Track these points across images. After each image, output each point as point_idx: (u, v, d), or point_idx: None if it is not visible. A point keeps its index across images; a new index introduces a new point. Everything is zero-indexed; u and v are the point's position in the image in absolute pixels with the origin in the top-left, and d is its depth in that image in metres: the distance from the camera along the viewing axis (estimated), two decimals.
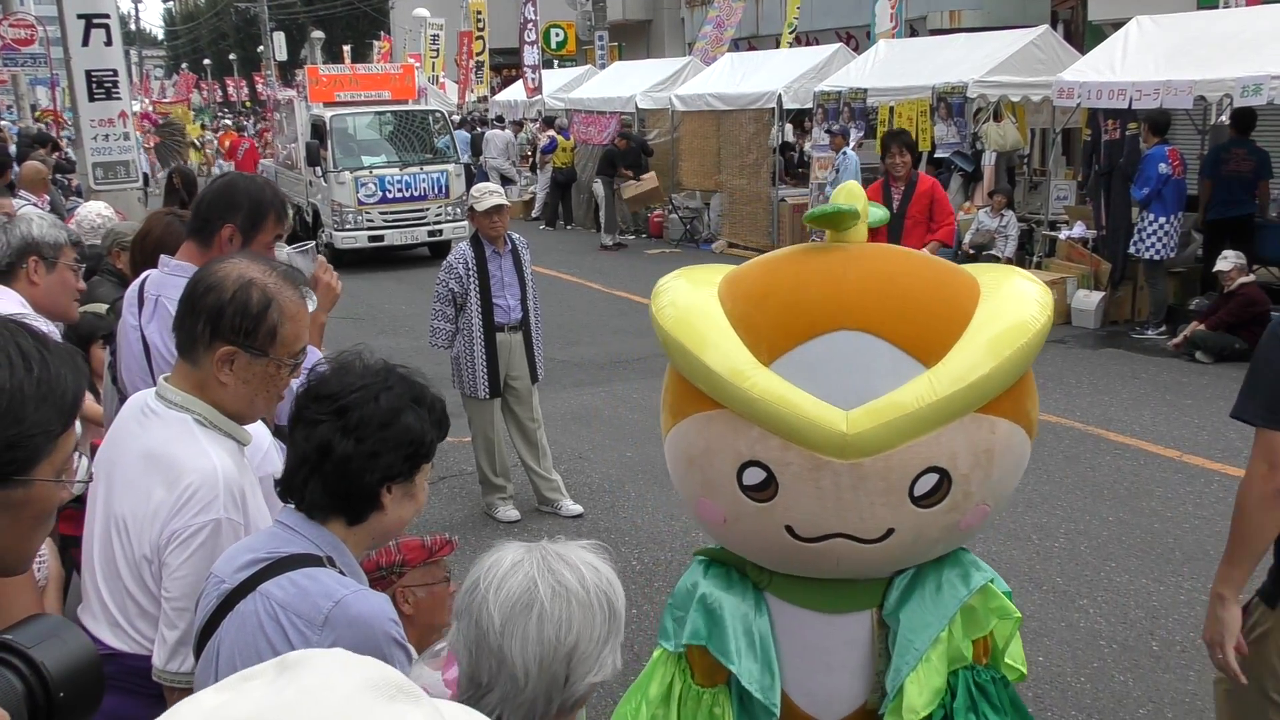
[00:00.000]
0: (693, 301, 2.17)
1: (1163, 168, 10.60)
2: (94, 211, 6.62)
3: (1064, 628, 5.20)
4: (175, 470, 2.18)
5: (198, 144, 23.37)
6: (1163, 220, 10.68)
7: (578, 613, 1.59)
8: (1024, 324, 2.03)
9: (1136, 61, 11.08)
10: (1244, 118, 11.10)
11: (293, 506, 2.05)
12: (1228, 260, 10.03)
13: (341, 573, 1.99)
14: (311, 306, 2.43)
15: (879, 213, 2.35)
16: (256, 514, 2.25)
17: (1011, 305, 2.06)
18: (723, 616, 2.25)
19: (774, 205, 16.31)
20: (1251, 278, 10.16)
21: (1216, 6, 12.53)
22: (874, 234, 8.20)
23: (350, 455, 1.96)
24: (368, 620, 1.88)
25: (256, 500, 2.27)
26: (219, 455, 2.20)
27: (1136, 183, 10.83)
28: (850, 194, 2.23)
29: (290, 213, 3.27)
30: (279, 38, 45.85)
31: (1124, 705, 4.56)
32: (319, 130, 16.73)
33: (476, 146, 22.71)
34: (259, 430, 2.48)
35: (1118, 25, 12.40)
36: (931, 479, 2.01)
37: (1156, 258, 10.81)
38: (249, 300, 2.20)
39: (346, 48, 41.68)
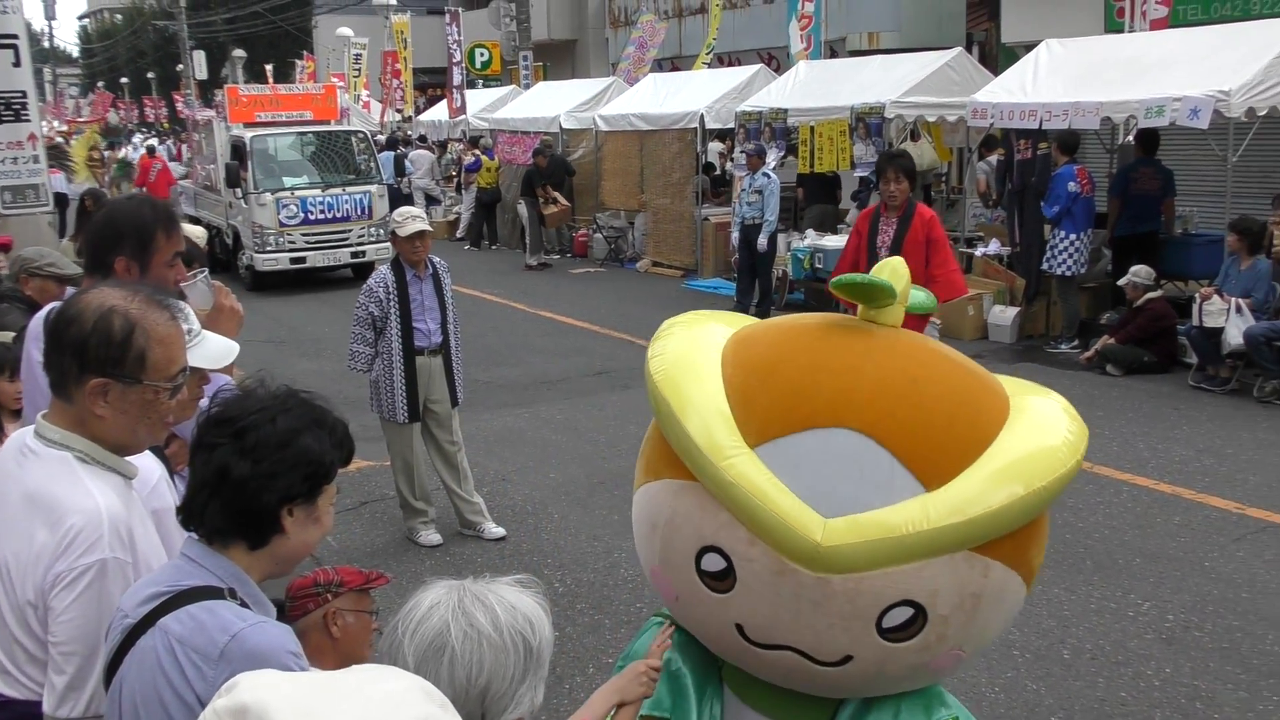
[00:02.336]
0: (690, 358, 1.96)
1: (1072, 186, 10.89)
2: None
3: None
4: (57, 511, 2.13)
5: (100, 160, 22.88)
6: (1073, 237, 10.96)
7: (489, 655, 1.63)
8: (1047, 463, 1.77)
9: (1047, 83, 11.38)
10: (1148, 138, 11.46)
11: (195, 538, 2.04)
12: (1135, 276, 10.32)
13: (244, 603, 1.97)
14: (188, 327, 2.40)
15: (921, 298, 2.13)
16: (148, 550, 2.21)
17: (1036, 438, 1.81)
18: (688, 689, 2.07)
19: (697, 224, 16.45)
20: (1158, 292, 10.46)
21: (1122, 31, 12.91)
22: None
23: (248, 476, 1.95)
24: (265, 653, 1.87)
25: (147, 536, 2.24)
26: (103, 493, 2.17)
27: (1047, 201, 11.12)
28: (894, 271, 2.00)
29: (180, 222, 3.19)
30: (199, 56, 45.21)
31: (1036, 713, 4.66)
32: (239, 151, 16.53)
33: (400, 167, 22.60)
34: (147, 462, 2.44)
35: (1029, 47, 12.72)
36: (905, 613, 1.78)
37: (1068, 274, 11.09)
38: (111, 329, 2.16)
39: (269, 67, 41.24)
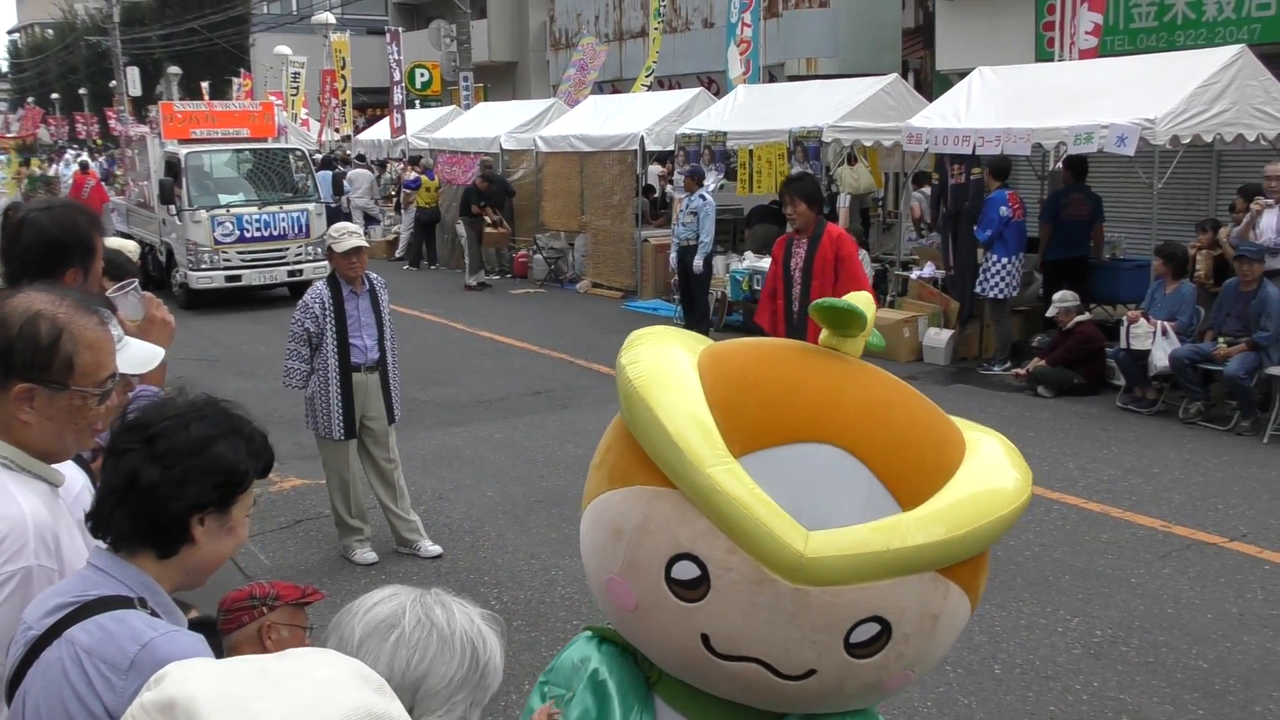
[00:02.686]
0: (668, 366, 1.94)
1: (1004, 210, 11.10)
2: None
3: None
4: None
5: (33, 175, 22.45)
6: (1005, 261, 11.17)
7: (435, 645, 1.61)
8: (1007, 493, 1.84)
9: (979, 110, 11.60)
10: (1078, 164, 11.72)
11: (104, 547, 2.00)
12: (1063, 302, 10.54)
13: (154, 613, 1.93)
14: (118, 333, 2.36)
15: (876, 340, 2.12)
16: (74, 559, 2.16)
17: (994, 471, 1.88)
18: (613, 703, 2.03)
19: (637, 246, 16.51)
20: (1087, 316, 10.68)
21: (1052, 60, 13.21)
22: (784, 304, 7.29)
23: (156, 483, 1.91)
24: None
25: (74, 544, 2.19)
26: (28, 500, 2.12)
27: (980, 225, 11.32)
28: (866, 302, 2.02)
29: (101, 229, 3.12)
30: (133, 72, 44.55)
31: None
32: (174, 168, 16.31)
33: (338, 185, 22.45)
34: (70, 471, 2.40)
35: (963, 75, 12.97)
36: (872, 629, 1.80)
37: (1000, 296, 11.29)
38: (37, 333, 2.11)
39: (205, 84, 40.76)
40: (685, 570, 1.83)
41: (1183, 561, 6.46)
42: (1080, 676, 5.13)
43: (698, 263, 13.22)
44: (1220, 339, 9.23)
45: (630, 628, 2.02)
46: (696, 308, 13.57)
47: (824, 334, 2.00)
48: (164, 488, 1.91)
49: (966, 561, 1.83)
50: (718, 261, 14.36)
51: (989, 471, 1.86)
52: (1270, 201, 9.64)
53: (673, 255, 13.90)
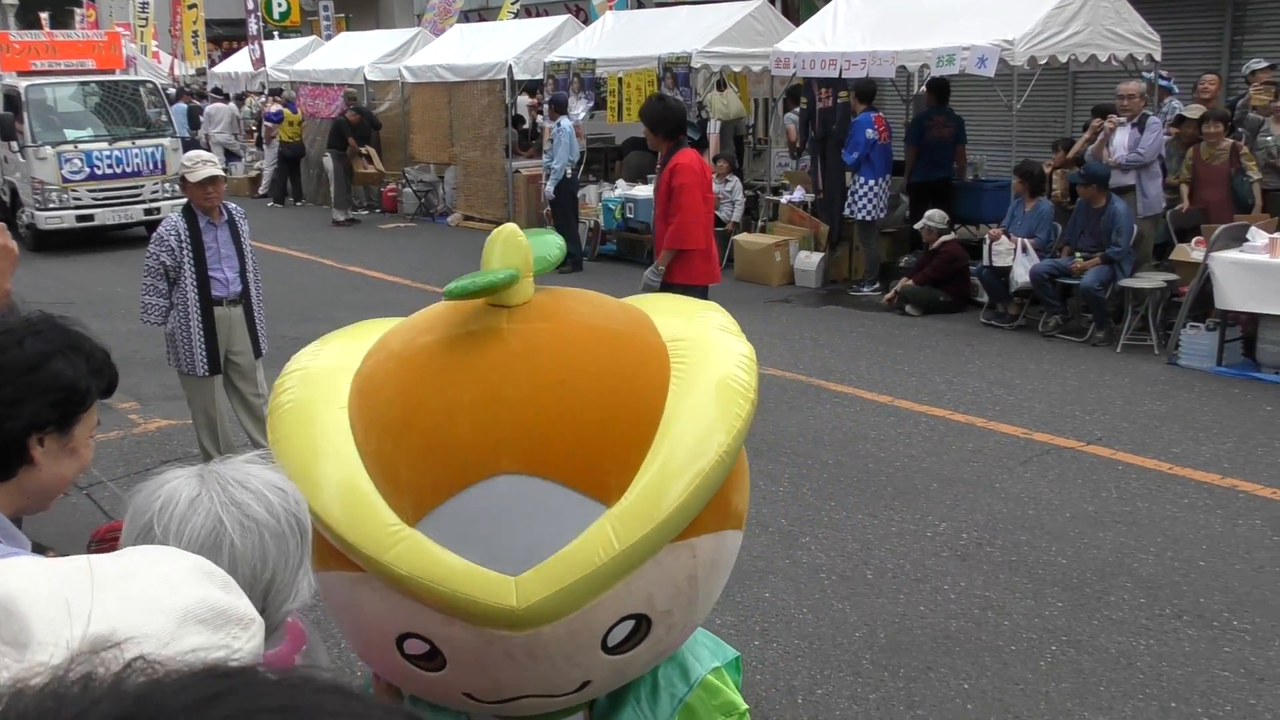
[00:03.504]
0: (313, 423, 1.71)
1: (870, 133, 11.25)
2: None
3: (788, 565, 5.48)
4: None
5: None
6: (872, 183, 11.34)
7: (272, 545, 1.51)
8: (723, 421, 1.64)
9: (846, 33, 11.68)
10: (940, 87, 11.91)
11: None
12: (930, 220, 10.76)
13: None
14: None
15: (545, 251, 1.85)
16: None
17: (707, 398, 1.66)
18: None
19: (509, 177, 16.29)
20: (952, 236, 10.94)
21: None
22: (663, 224, 7.26)
23: None
24: None
25: None
26: None
27: (847, 148, 11.46)
28: (507, 244, 1.75)
29: None
30: None
31: (842, 629, 4.86)
32: (13, 102, 15.45)
33: (195, 120, 21.58)
34: None
35: None
36: (627, 626, 1.67)
37: (868, 219, 11.48)
38: None
39: (44, 14, 38.58)
40: (415, 647, 1.70)
41: (1043, 465, 6.72)
42: (948, 577, 5.32)
43: (549, 189, 13.12)
44: (1076, 254, 9.55)
45: (403, 685, 1.88)
46: (568, 238, 13.49)
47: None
48: None
49: (704, 508, 1.66)
50: (590, 190, 14.27)
51: (700, 402, 1.65)
52: (1122, 120, 9.95)
53: (544, 185, 13.76)
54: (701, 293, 6.78)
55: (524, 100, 18.65)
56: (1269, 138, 10.06)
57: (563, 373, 1.67)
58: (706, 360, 1.71)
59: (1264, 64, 11.01)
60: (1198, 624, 4.81)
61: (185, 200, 6.39)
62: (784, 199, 12.92)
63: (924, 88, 12.32)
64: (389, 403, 1.68)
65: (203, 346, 6.31)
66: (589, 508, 1.59)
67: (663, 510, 1.58)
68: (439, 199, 17.93)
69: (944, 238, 10.78)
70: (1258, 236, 8.48)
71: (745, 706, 1.95)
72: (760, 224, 13.05)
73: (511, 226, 1.80)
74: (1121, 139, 9.89)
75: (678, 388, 1.67)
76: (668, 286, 6.84)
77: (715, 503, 1.69)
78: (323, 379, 1.78)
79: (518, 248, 1.74)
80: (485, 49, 16.91)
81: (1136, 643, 4.67)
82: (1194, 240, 9.35)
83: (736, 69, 13.71)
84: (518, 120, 17.43)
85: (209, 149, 20.52)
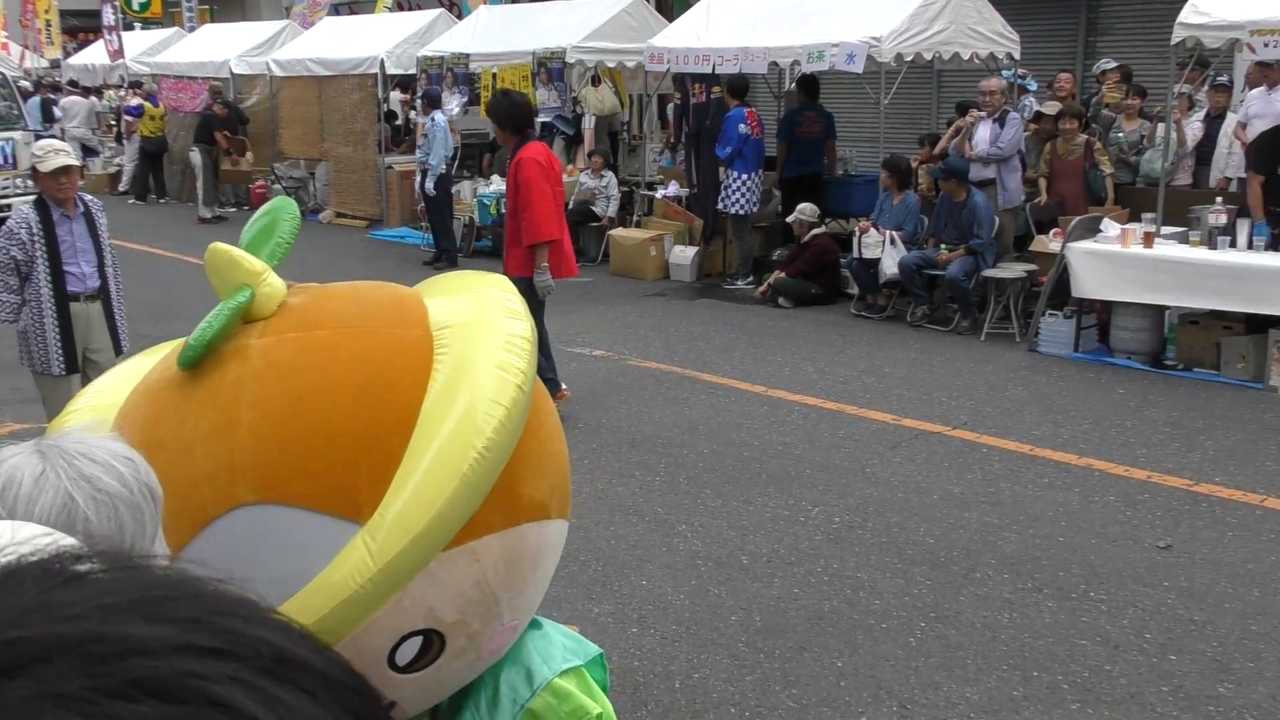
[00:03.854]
0: None
1: (743, 128, 11.39)
2: None
3: (665, 552, 5.52)
4: None
5: None
6: (745, 178, 11.49)
7: (128, 517, 1.44)
8: (485, 414, 1.46)
9: (718, 29, 11.82)
10: (809, 84, 12.14)
11: None
12: (801, 214, 10.95)
13: None
14: None
15: (274, 235, 1.70)
16: None
17: (468, 391, 1.49)
18: None
19: (381, 173, 16.06)
20: (823, 229, 11.14)
21: None
22: (513, 219, 7.17)
23: None
24: None
25: None
26: None
27: (720, 143, 11.58)
28: (221, 267, 1.58)
29: None
30: None
31: (719, 614, 4.91)
32: None
33: (49, 113, 20.73)
34: None
35: None
36: (414, 643, 1.53)
37: (741, 213, 11.62)
38: None
39: None
40: None
41: (911, 450, 6.90)
42: (821, 560, 5.42)
43: (427, 185, 13.02)
44: (941, 246, 9.82)
45: None
46: (443, 234, 13.37)
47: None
48: None
49: (483, 507, 1.49)
50: (465, 186, 14.16)
51: (460, 389, 1.49)
52: (983, 115, 10.26)
53: (418, 182, 13.61)
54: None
55: (397, 95, 18.40)
56: (1120, 134, 10.51)
57: (302, 386, 1.50)
58: (473, 348, 1.54)
59: (1113, 64, 11.49)
60: (1057, 596, 5.00)
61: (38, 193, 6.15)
62: (659, 194, 13.00)
63: (794, 85, 12.52)
64: (134, 444, 1.50)
65: (59, 344, 6.07)
66: (340, 529, 1.44)
67: (419, 521, 1.43)
68: (310, 196, 17.57)
69: (815, 231, 10.97)
70: (1110, 228, 8.84)
71: (599, 710, 1.77)
72: (635, 219, 13.13)
73: (213, 247, 1.60)
74: (983, 134, 10.21)
75: (436, 384, 1.51)
76: (521, 281, 6.81)
77: (498, 499, 1.52)
78: (97, 420, 1.63)
79: (233, 265, 1.57)
80: (357, 43, 16.64)
81: (1000, 616, 4.83)
82: (1052, 232, 9.70)
83: (611, 64, 13.74)
84: (390, 116, 17.20)
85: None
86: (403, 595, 1.47)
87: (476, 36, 14.74)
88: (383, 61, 15.62)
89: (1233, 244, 8.28)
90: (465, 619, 1.55)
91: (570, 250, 7.54)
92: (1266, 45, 8.06)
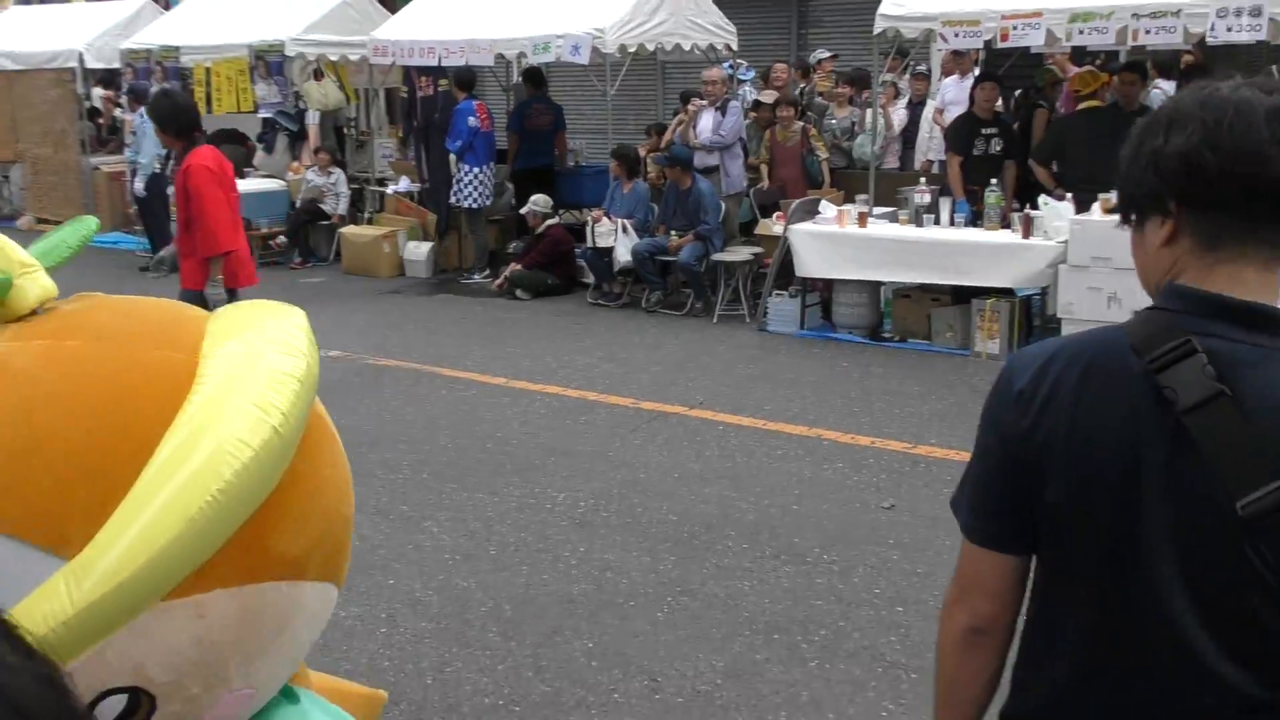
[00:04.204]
0: None
1: (472, 121, 11.31)
2: None
3: (412, 549, 5.41)
4: None
5: None
6: (477, 171, 11.41)
7: None
8: (237, 444, 1.30)
9: (443, 21, 11.66)
10: (535, 76, 12.18)
11: None
12: (535, 205, 10.98)
13: None
14: None
15: (61, 238, 1.55)
16: None
17: (214, 428, 1.32)
18: None
19: (86, 175, 15.01)
20: (556, 220, 11.21)
21: None
22: (185, 232, 6.57)
23: None
24: None
25: None
26: None
27: (450, 136, 11.46)
28: None
29: None
30: None
31: (468, 606, 4.85)
32: None
33: None
34: None
35: None
36: (118, 700, 1.34)
37: (475, 206, 11.54)
38: None
39: None
40: None
41: (651, 432, 7.03)
42: (568, 545, 5.44)
43: (138, 186, 12.31)
44: (671, 232, 10.07)
45: None
46: (159, 237, 12.63)
47: None
48: None
49: (218, 557, 1.32)
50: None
51: (195, 443, 1.31)
52: (705, 104, 10.58)
53: (129, 183, 12.80)
54: (232, 297, 6.58)
55: (99, 92, 17.24)
56: (833, 121, 11.07)
57: (32, 403, 1.34)
58: (233, 381, 1.38)
59: (827, 54, 12.10)
60: (794, 561, 5.21)
61: None
62: (390, 190, 12.74)
63: (521, 77, 12.53)
64: None
65: None
66: (39, 561, 1.27)
67: (130, 565, 1.27)
68: (5, 200, 16.24)
69: (549, 222, 11.02)
70: (828, 209, 9.29)
71: None
72: (367, 216, 12.81)
73: None
74: (706, 122, 10.52)
75: (183, 415, 1.35)
76: (190, 295, 6.40)
77: (237, 551, 1.34)
78: None
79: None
80: (50, 34, 15.44)
81: (741, 584, 4.99)
82: (775, 215, 10.11)
83: (334, 57, 13.33)
84: (94, 113, 16.10)
85: None
86: (106, 645, 1.29)
87: (187, 28, 13.97)
88: (82, 55, 14.58)
89: (936, 221, 8.87)
90: (182, 680, 1.37)
91: (248, 258, 7.11)
92: (957, 35, 8.67)
